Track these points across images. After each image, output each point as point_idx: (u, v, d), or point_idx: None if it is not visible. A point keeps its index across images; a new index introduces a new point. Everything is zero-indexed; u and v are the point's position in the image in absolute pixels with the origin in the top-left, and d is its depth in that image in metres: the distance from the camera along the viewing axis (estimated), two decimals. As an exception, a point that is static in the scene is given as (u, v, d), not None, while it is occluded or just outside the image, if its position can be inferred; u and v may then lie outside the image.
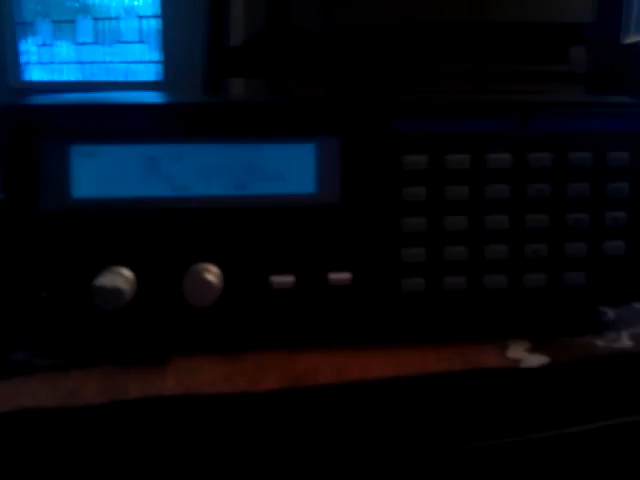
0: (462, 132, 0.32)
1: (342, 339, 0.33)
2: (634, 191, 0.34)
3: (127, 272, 0.30)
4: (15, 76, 2.59)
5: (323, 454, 0.26)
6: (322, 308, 0.32)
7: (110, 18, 2.44)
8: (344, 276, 0.32)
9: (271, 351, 0.32)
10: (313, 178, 0.32)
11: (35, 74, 2.61)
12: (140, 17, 2.40)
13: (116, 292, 0.29)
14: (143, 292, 0.31)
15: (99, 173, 0.31)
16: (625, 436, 0.28)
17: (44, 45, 2.59)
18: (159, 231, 0.31)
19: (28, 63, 2.61)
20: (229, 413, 0.28)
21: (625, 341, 0.34)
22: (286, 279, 0.32)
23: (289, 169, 0.32)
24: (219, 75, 1.47)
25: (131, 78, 2.51)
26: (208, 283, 0.30)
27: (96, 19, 2.46)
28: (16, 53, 2.57)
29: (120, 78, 2.52)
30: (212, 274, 0.31)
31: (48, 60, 2.60)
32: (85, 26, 2.50)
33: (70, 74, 2.58)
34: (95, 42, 2.52)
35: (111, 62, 2.53)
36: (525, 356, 0.32)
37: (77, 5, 2.46)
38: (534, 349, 0.33)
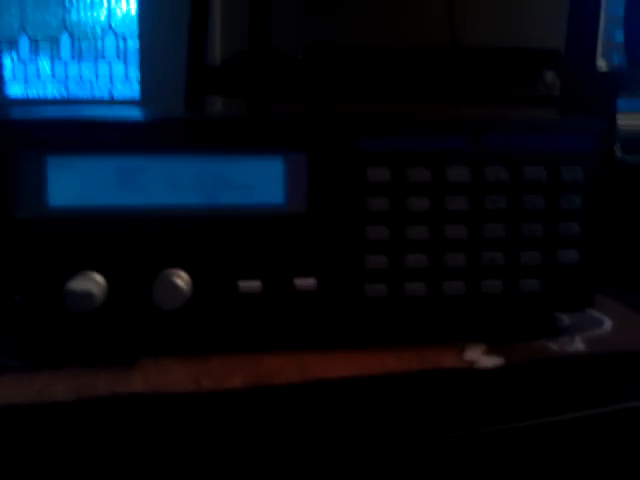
0: (422, 147, 0.34)
1: (307, 342, 0.35)
2: (587, 204, 0.36)
3: (98, 277, 0.32)
4: (-5, 92, 2.58)
5: (287, 450, 0.27)
6: (288, 312, 0.34)
7: (89, 37, 2.46)
8: (309, 282, 0.33)
9: (238, 353, 0.33)
10: (281, 189, 0.33)
11: (17, 90, 2.61)
12: (118, 36, 2.42)
13: (87, 296, 0.30)
14: (114, 296, 0.32)
15: (74, 183, 0.32)
16: (572, 432, 0.30)
17: (25, 62, 2.59)
18: (130, 238, 0.32)
19: (10, 79, 2.61)
20: (195, 411, 0.29)
21: (578, 345, 0.36)
22: (253, 284, 0.33)
23: (258, 181, 0.33)
24: (199, 94, 1.49)
25: (111, 95, 2.52)
26: (177, 288, 0.32)
27: (76, 37, 2.48)
28: (-3, 69, 2.57)
29: (99, 95, 2.52)
30: (181, 279, 0.32)
31: (29, 76, 2.60)
32: (65, 43, 2.52)
33: (51, 90, 2.58)
34: (75, 59, 2.53)
35: (90, 79, 2.54)
36: (481, 358, 0.34)
37: (57, 23, 2.47)
38: (490, 351, 0.35)
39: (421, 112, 0.36)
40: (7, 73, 2.66)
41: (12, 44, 2.61)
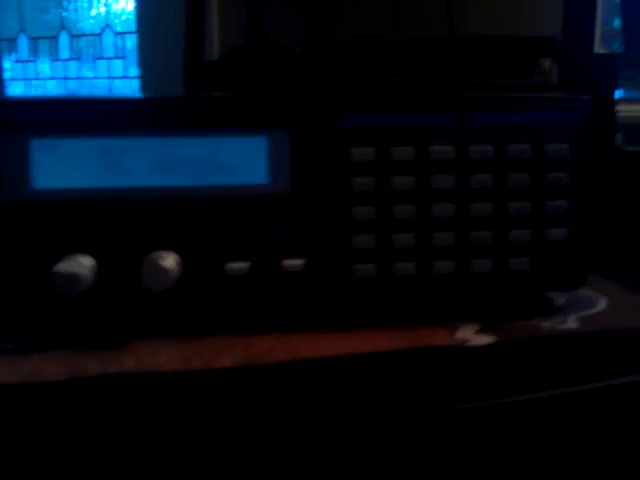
0: (406, 125, 0.34)
1: (296, 323, 0.35)
2: (574, 180, 0.36)
3: (87, 259, 0.32)
4: (-3, 93, 2.59)
5: (277, 429, 0.27)
6: (276, 293, 0.34)
7: (88, 35, 2.46)
8: (297, 262, 0.34)
9: (227, 335, 0.33)
10: (265, 169, 0.34)
11: (16, 90, 2.62)
12: (117, 33, 2.42)
13: (75, 278, 0.31)
14: (103, 278, 0.32)
15: (58, 165, 0.32)
16: (563, 407, 0.30)
17: (24, 61, 2.60)
18: (117, 220, 0.32)
19: (9, 79, 2.61)
20: (185, 391, 0.29)
21: (571, 323, 0.36)
22: (241, 265, 0.33)
23: (242, 161, 0.33)
24: (197, 89, 1.49)
25: (110, 94, 2.53)
26: (165, 270, 0.32)
27: (74, 36, 2.48)
28: (-2, 69, 2.58)
29: (99, 93, 2.53)
30: (169, 261, 0.32)
31: (28, 76, 2.61)
32: (64, 42, 2.52)
33: (51, 90, 2.59)
34: (74, 58, 2.53)
35: (90, 78, 2.54)
36: (473, 337, 0.34)
37: (55, 22, 2.47)
38: (482, 330, 0.35)
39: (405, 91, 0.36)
40: (6, 73, 2.66)
41: (11, 44, 2.61)
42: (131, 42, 2.40)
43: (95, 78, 2.58)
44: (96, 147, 0.32)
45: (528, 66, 1.45)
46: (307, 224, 0.34)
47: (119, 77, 2.54)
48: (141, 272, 0.32)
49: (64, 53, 2.64)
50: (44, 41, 2.65)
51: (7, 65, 2.71)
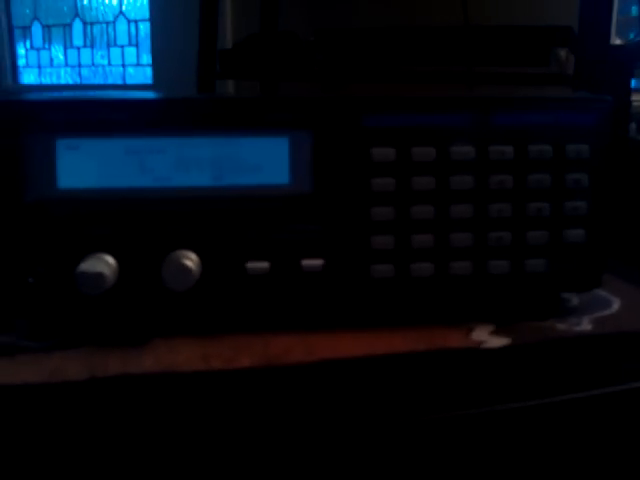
0: (427, 126, 0.34)
1: (314, 323, 0.35)
2: (594, 181, 0.36)
3: (109, 258, 0.32)
4: (10, 79, 2.60)
5: (295, 430, 0.27)
6: (295, 293, 0.34)
7: (101, 22, 2.46)
8: (316, 262, 0.34)
9: (246, 334, 0.34)
10: (287, 170, 0.34)
11: (30, 77, 2.63)
12: (130, 21, 2.42)
13: (98, 277, 0.31)
14: (125, 277, 0.33)
15: (83, 165, 0.32)
16: (578, 410, 0.30)
17: (38, 49, 2.60)
18: (140, 220, 0.33)
19: (23, 66, 2.62)
20: (205, 391, 0.29)
21: (585, 325, 0.36)
22: (261, 265, 0.33)
23: (264, 161, 0.34)
24: (211, 77, 1.49)
25: (123, 81, 2.53)
26: (186, 269, 0.32)
27: (88, 23, 2.48)
28: (12, 56, 2.59)
29: (112, 81, 2.53)
30: (190, 260, 0.32)
31: (42, 64, 2.62)
32: (77, 30, 2.52)
33: (65, 77, 2.60)
34: (88, 45, 2.54)
35: (104, 65, 2.55)
36: (488, 338, 0.34)
37: (69, 9, 2.47)
38: (497, 332, 0.35)
39: (427, 91, 0.36)
40: (21, 61, 2.67)
41: (25, 32, 2.62)
42: (144, 30, 2.40)
43: (108, 66, 2.58)
44: (121, 147, 0.32)
45: (544, 55, 1.43)
46: (327, 224, 0.34)
47: (132, 65, 2.54)
48: (163, 271, 0.32)
49: (78, 40, 2.64)
50: (58, 28, 2.65)
51: (21, 52, 2.72)
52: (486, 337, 0.34)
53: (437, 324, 0.35)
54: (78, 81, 2.57)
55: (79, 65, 2.55)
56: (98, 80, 2.52)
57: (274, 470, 0.27)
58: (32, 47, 2.62)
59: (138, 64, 2.48)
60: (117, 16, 2.42)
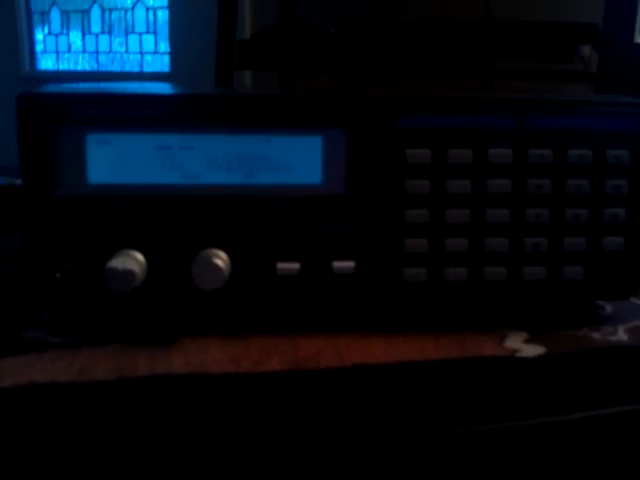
0: (464, 127, 0.33)
1: (344, 325, 0.34)
2: (634, 189, 0.35)
3: (139, 255, 0.32)
4: (28, 65, 2.61)
5: (323, 436, 0.27)
6: (326, 295, 0.33)
7: (120, 9, 2.46)
8: (348, 265, 0.33)
9: (275, 335, 0.33)
10: (319, 169, 0.33)
11: (48, 63, 2.63)
12: (148, 8, 2.41)
13: (128, 274, 0.31)
14: (154, 275, 0.32)
15: (114, 160, 0.32)
16: (614, 426, 0.29)
17: (57, 34, 2.61)
18: (170, 217, 0.32)
19: (41, 52, 2.63)
20: (233, 393, 0.29)
21: (621, 335, 0.35)
22: (291, 266, 0.33)
23: (296, 160, 0.33)
24: (229, 67, 1.49)
25: (141, 69, 2.53)
26: (216, 268, 0.31)
27: (106, 9, 2.48)
28: (30, 42, 2.60)
29: (129, 68, 2.53)
30: (220, 259, 0.32)
31: (60, 49, 2.62)
32: (96, 16, 2.52)
33: (82, 64, 2.60)
34: (106, 32, 2.54)
35: (121, 52, 2.55)
36: (522, 346, 0.33)
37: (88, -5, 2.47)
38: (531, 340, 0.34)
39: (458, 88, 0.35)
40: (39, 46, 2.68)
41: (44, 17, 2.62)
42: (163, 17, 2.40)
43: (126, 53, 2.58)
44: (151, 143, 0.32)
45: (568, 52, 1.41)
46: (359, 226, 0.33)
47: (150, 52, 2.54)
48: (192, 270, 0.32)
49: (96, 27, 2.64)
50: (76, 14, 2.65)
51: (39, 38, 2.73)
52: (520, 345, 0.33)
53: (468, 330, 0.35)
54: (95, 68, 2.57)
55: (97, 52, 2.55)
56: (115, 67, 2.52)
57: (301, 476, 0.27)
58: (50, 33, 2.62)
59: (156, 52, 2.47)
60: (135, 3, 2.42)
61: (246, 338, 0.33)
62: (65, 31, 2.60)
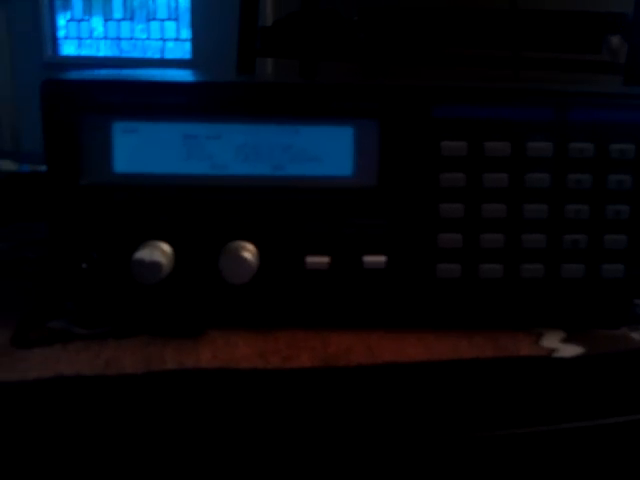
0: (502, 119, 0.32)
1: (375, 321, 0.33)
2: (677, 184, 0.33)
3: (166, 247, 0.31)
4: (50, 50, 2.61)
5: (353, 433, 0.26)
6: (356, 290, 0.32)
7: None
8: (379, 259, 0.32)
9: (304, 330, 0.32)
10: (350, 161, 0.32)
11: (69, 49, 2.64)
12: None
13: (155, 266, 0.30)
14: (181, 267, 0.31)
15: (140, 149, 0.31)
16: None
17: (79, 20, 2.61)
18: (198, 208, 0.31)
19: (63, 38, 2.63)
20: (263, 389, 0.28)
21: (660, 336, 0.34)
22: (321, 260, 0.32)
23: (327, 151, 0.32)
24: (251, 55, 1.47)
25: (162, 55, 2.53)
26: (244, 260, 0.31)
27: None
28: (52, 28, 2.60)
29: (151, 55, 2.53)
30: (249, 252, 0.31)
31: (81, 35, 2.62)
32: (117, 2, 2.52)
33: (103, 50, 2.60)
34: (128, 18, 2.53)
35: (143, 39, 2.54)
36: (559, 346, 0.32)
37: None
38: (569, 339, 0.33)
39: (483, 77, 0.33)
40: (61, 32, 2.68)
41: (65, 3, 2.62)
42: (184, 4, 2.38)
43: (147, 39, 2.57)
44: (178, 132, 0.31)
45: (596, 42, 1.38)
46: (391, 220, 0.32)
47: (171, 39, 2.53)
48: (220, 262, 0.31)
49: (117, 13, 2.64)
50: (98, 0, 2.65)
51: (61, 23, 2.73)
52: (557, 345, 0.32)
53: (503, 328, 0.34)
54: (117, 54, 2.57)
55: (118, 38, 2.55)
56: (137, 53, 2.52)
57: (330, 474, 0.26)
58: (72, 18, 2.62)
59: (177, 38, 2.46)
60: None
61: (274, 333, 0.32)
62: (87, 17, 2.59)
